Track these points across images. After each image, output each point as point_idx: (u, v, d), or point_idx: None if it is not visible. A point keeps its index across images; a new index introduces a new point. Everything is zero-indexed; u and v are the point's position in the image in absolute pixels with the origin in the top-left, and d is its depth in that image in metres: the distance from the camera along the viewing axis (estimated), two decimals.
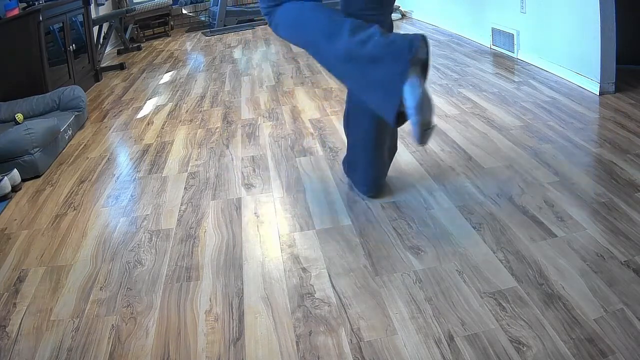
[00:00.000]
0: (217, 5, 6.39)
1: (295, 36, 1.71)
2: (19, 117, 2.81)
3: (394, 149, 1.96)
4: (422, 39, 1.46)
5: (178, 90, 3.73)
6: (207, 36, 6.14)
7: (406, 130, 2.43)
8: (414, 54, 1.43)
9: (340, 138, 2.47)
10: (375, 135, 1.81)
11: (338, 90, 3.28)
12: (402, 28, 5.22)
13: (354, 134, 1.88)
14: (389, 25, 1.80)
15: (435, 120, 2.55)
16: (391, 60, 1.45)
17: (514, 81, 3.08)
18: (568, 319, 1.23)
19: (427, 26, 5.16)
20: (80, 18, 4.15)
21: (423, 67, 1.50)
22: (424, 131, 1.47)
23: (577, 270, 1.39)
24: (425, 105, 1.44)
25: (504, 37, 3.72)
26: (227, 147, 2.53)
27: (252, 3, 7.17)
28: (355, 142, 1.89)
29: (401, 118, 1.53)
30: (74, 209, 2.06)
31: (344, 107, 1.93)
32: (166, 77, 4.22)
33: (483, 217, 1.69)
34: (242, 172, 2.22)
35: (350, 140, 1.93)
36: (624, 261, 1.40)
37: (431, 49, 1.47)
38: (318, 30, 1.60)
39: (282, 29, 1.72)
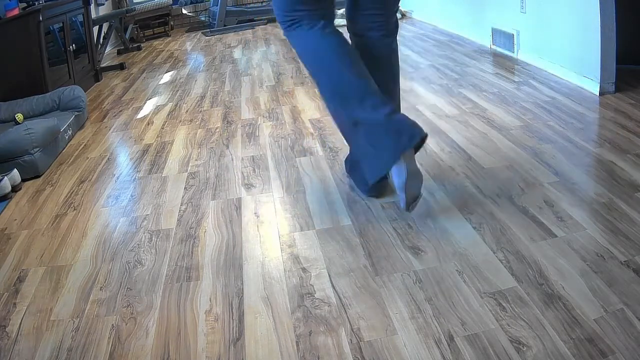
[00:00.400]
0: (217, 5, 6.39)
1: (309, 68, 1.77)
2: (19, 117, 2.81)
3: None
4: (422, 137, 1.59)
5: (178, 90, 3.74)
6: (207, 36, 6.14)
7: None
8: (408, 148, 1.57)
9: (340, 138, 2.47)
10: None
11: None
12: (403, 28, 5.22)
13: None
14: (394, 24, 1.81)
15: (435, 120, 2.55)
16: (388, 143, 1.58)
17: (514, 81, 3.08)
18: (568, 319, 1.23)
19: (427, 26, 5.16)
20: (80, 18, 4.16)
21: (417, 146, 1.64)
22: (411, 203, 1.63)
23: (577, 270, 1.39)
24: (411, 185, 1.59)
25: (504, 37, 3.72)
26: (227, 147, 2.53)
27: (252, 3, 7.17)
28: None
29: (377, 189, 1.81)
30: (74, 209, 2.06)
31: None
32: (166, 77, 4.22)
33: (483, 217, 1.69)
34: (242, 172, 2.22)
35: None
36: (624, 261, 1.40)
37: (422, 129, 1.66)
38: (330, 84, 1.68)
39: (297, 52, 1.77)
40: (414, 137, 1.58)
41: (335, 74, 1.65)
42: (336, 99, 1.67)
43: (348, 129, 1.71)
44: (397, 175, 1.58)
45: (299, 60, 4.24)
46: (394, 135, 1.58)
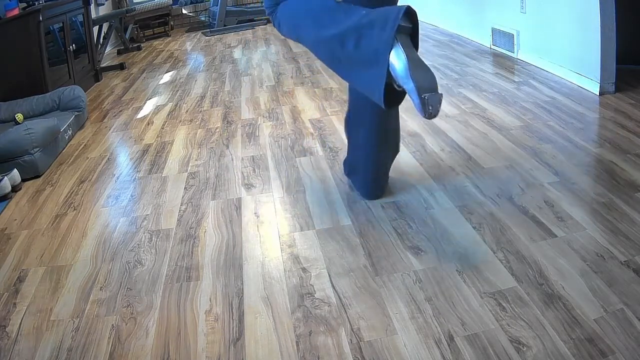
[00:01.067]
0: (217, 5, 6.39)
1: (293, 30, 1.69)
2: (19, 117, 2.81)
3: (395, 150, 1.96)
4: (407, 9, 1.39)
5: (178, 90, 3.74)
6: (207, 36, 6.14)
7: (407, 130, 2.43)
8: (397, 24, 1.36)
9: (340, 138, 2.47)
10: (376, 140, 1.80)
11: (338, 90, 3.28)
12: None
13: (355, 138, 1.88)
14: None
15: (435, 120, 2.55)
16: (376, 33, 1.40)
17: (514, 81, 3.08)
18: (568, 319, 1.23)
19: (427, 26, 5.16)
20: (80, 18, 4.15)
21: (413, 38, 1.44)
22: (424, 99, 1.35)
23: (577, 270, 1.39)
24: (417, 70, 1.35)
25: (504, 37, 3.72)
26: (227, 147, 2.53)
27: (252, 3, 7.17)
28: (356, 146, 1.89)
29: (394, 97, 1.49)
30: (74, 209, 2.06)
31: (346, 109, 1.93)
32: (166, 77, 4.22)
33: (483, 217, 1.69)
34: (242, 172, 2.22)
35: (351, 143, 1.93)
36: (624, 261, 1.40)
37: (421, 28, 1.46)
38: (312, 22, 1.58)
39: (284, 25, 1.70)
40: (398, 15, 1.37)
41: (315, 9, 1.58)
42: (322, 29, 1.55)
43: (339, 59, 1.54)
44: (397, 60, 1.36)
45: (299, 60, 4.24)
46: (379, 23, 1.40)
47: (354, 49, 1.45)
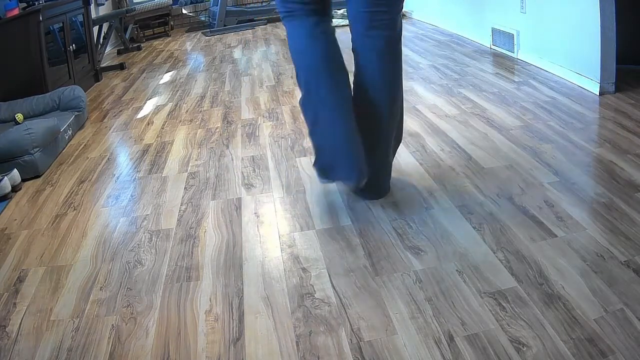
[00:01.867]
0: (217, 5, 6.39)
1: (294, 61, 1.81)
2: (19, 117, 2.81)
3: (398, 140, 1.93)
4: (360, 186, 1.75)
5: (178, 90, 3.74)
6: (207, 36, 6.14)
7: (407, 130, 2.43)
8: (352, 187, 1.79)
9: None
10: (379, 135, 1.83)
11: None
12: (403, 28, 5.22)
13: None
14: (399, 24, 1.77)
15: (435, 120, 2.55)
16: (339, 174, 1.75)
17: (514, 81, 3.08)
18: (568, 319, 1.23)
19: (427, 26, 5.16)
20: (80, 18, 4.15)
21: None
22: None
23: (577, 270, 1.39)
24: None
25: (504, 37, 3.72)
26: (227, 147, 2.53)
27: (252, 3, 7.17)
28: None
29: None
30: (74, 209, 2.06)
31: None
32: (166, 77, 4.22)
33: (483, 217, 1.69)
34: (242, 172, 2.22)
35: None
36: (624, 261, 1.40)
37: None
38: (308, 86, 1.73)
39: (289, 43, 1.81)
40: (358, 183, 1.74)
41: (312, 75, 1.70)
42: (308, 99, 1.74)
43: (313, 127, 1.78)
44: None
45: None
46: (344, 173, 1.74)
47: (320, 144, 1.79)
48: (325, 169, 1.79)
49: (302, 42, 1.73)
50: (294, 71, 3.91)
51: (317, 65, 1.69)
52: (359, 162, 1.71)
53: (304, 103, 1.76)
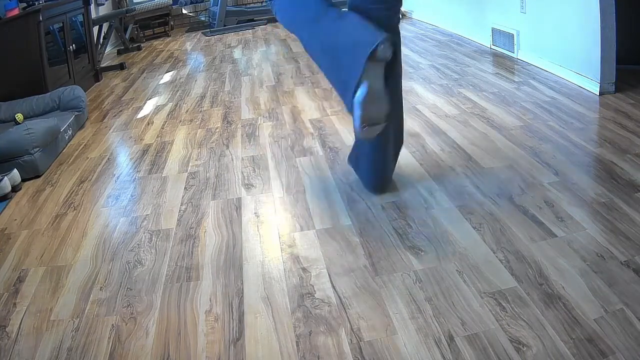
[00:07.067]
0: (217, 5, 6.39)
1: (287, 21, 1.79)
2: (19, 117, 2.81)
3: (399, 142, 1.95)
4: (385, 40, 1.51)
5: (178, 90, 3.74)
6: (207, 36, 6.14)
7: (407, 130, 2.43)
8: (374, 55, 1.49)
9: (340, 138, 2.47)
10: (380, 133, 1.81)
11: None
12: (403, 28, 5.22)
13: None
14: (397, 21, 1.79)
15: (435, 120, 2.55)
16: (352, 57, 1.53)
17: (514, 81, 3.08)
18: (568, 319, 1.23)
19: (427, 26, 5.16)
20: (80, 18, 4.15)
21: (389, 61, 1.57)
22: (362, 126, 1.54)
23: (577, 270, 1.39)
24: (370, 102, 1.51)
25: (504, 37, 3.72)
26: (227, 147, 2.53)
27: (252, 3, 7.17)
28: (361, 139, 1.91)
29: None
30: (74, 209, 2.06)
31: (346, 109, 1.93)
32: (166, 77, 4.22)
33: (483, 217, 1.69)
34: (242, 172, 2.22)
35: (357, 136, 1.94)
36: (624, 261, 1.40)
37: (401, 44, 1.68)
38: (303, 16, 1.69)
39: (280, 13, 1.80)
40: (376, 43, 1.49)
41: (309, 4, 1.68)
42: (311, 28, 1.68)
43: (323, 59, 1.71)
44: (360, 88, 1.53)
45: (299, 60, 4.24)
46: (359, 45, 1.53)
47: (335, 62, 1.62)
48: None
49: None
50: (293, 71, 3.92)
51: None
52: (381, 172, 1.89)
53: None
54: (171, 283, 1.53)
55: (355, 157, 2.00)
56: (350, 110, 1.58)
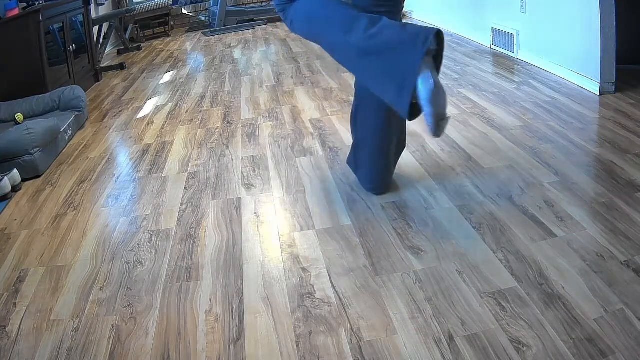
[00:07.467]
0: (217, 5, 6.39)
1: (310, 32, 1.72)
2: (19, 117, 2.81)
3: (402, 145, 1.96)
4: (436, 33, 1.45)
5: (178, 90, 3.74)
6: (207, 36, 6.14)
7: (409, 131, 2.43)
8: (427, 47, 1.42)
9: (340, 138, 2.47)
10: (383, 132, 1.82)
11: (338, 90, 3.28)
12: None
13: (362, 131, 1.89)
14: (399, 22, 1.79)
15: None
16: (404, 55, 1.45)
17: (514, 81, 3.08)
18: (568, 319, 1.23)
19: (427, 26, 5.15)
20: (80, 18, 4.15)
21: (436, 59, 1.50)
22: (439, 122, 1.46)
23: (577, 270, 1.39)
24: (438, 97, 1.43)
25: (504, 37, 3.72)
26: (227, 147, 2.53)
27: (252, 3, 7.17)
28: (363, 139, 1.90)
29: (415, 110, 1.52)
30: (74, 209, 2.06)
31: (352, 105, 1.93)
32: (166, 77, 4.22)
33: (483, 217, 1.69)
34: (242, 172, 2.22)
35: (357, 137, 1.93)
36: (624, 261, 1.40)
37: (446, 40, 1.53)
38: (332, 26, 1.60)
39: (297, 25, 1.73)
40: (428, 34, 1.43)
41: (336, 14, 1.61)
42: (345, 37, 1.58)
43: (362, 65, 1.59)
44: (423, 85, 1.42)
45: (299, 60, 4.24)
46: (407, 44, 1.45)
47: (380, 64, 1.51)
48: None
49: (318, 8, 1.65)
50: (293, 71, 3.92)
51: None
52: (383, 174, 1.87)
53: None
54: (171, 283, 1.53)
55: (354, 160, 1.99)
56: (406, 115, 1.49)
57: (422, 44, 1.42)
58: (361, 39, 1.53)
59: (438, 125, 1.46)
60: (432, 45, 1.44)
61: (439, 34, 1.46)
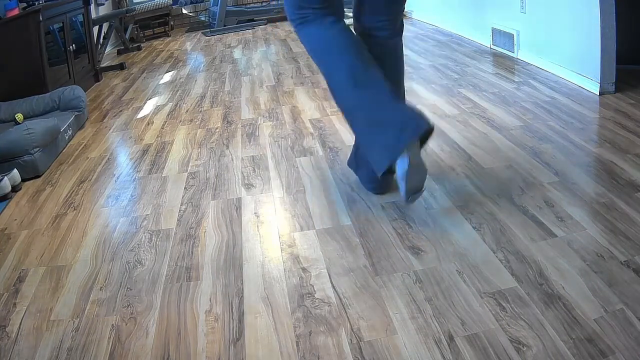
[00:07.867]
0: (217, 5, 6.39)
1: (318, 62, 1.77)
2: (19, 117, 2.81)
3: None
4: (429, 127, 1.58)
5: (178, 90, 3.74)
6: (207, 36, 6.14)
7: None
8: (415, 137, 1.56)
9: (340, 138, 2.47)
10: None
11: None
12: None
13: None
14: (400, 24, 1.82)
15: (435, 120, 2.55)
16: (394, 133, 1.57)
17: (514, 81, 3.08)
18: (568, 319, 1.23)
19: (427, 26, 5.16)
20: (80, 18, 4.15)
21: (424, 138, 1.64)
22: (412, 195, 1.60)
23: (577, 270, 1.39)
24: (413, 175, 1.57)
25: (504, 37, 3.72)
26: (227, 147, 2.53)
27: (252, 3, 7.17)
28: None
29: (383, 185, 1.82)
30: (74, 209, 2.06)
31: None
32: (166, 77, 4.22)
33: (483, 217, 1.69)
34: (242, 172, 2.22)
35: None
36: (624, 261, 1.40)
37: (435, 126, 1.73)
38: (340, 73, 1.67)
39: (307, 48, 1.78)
40: (419, 129, 1.57)
41: (343, 61, 1.66)
42: (343, 87, 1.68)
43: (355, 118, 1.71)
44: (400, 165, 1.57)
45: (299, 60, 4.24)
46: (399, 125, 1.58)
47: (369, 129, 1.65)
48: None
49: (327, 36, 1.70)
50: (293, 71, 3.92)
51: (353, 50, 1.66)
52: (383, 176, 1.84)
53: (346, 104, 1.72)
54: (171, 283, 1.53)
55: (355, 159, 1.99)
56: (379, 174, 1.64)
57: (411, 133, 1.55)
58: (362, 100, 1.65)
59: (411, 197, 1.61)
60: (419, 135, 1.58)
61: (430, 128, 1.58)
